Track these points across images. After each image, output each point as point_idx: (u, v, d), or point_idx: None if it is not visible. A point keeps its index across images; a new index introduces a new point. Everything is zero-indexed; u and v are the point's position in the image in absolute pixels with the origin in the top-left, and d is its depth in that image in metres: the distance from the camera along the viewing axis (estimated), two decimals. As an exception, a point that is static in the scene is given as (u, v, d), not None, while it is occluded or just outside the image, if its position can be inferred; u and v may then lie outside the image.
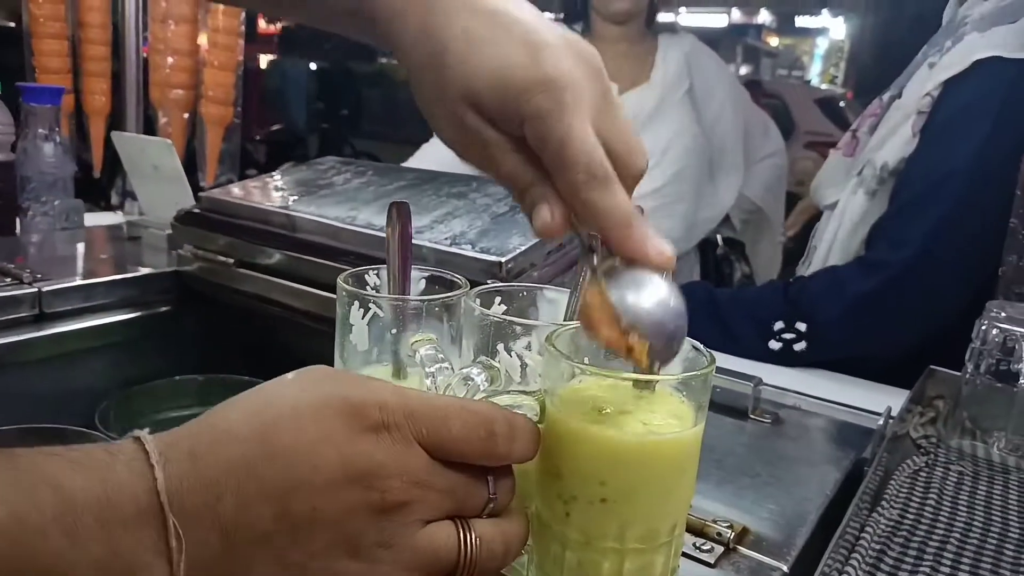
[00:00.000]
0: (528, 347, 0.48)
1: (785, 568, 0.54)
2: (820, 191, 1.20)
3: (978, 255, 0.95)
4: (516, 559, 0.42)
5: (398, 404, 0.38)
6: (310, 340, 0.90)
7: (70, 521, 0.32)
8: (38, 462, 0.33)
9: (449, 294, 0.51)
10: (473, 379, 0.45)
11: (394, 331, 0.50)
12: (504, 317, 0.48)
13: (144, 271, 1.04)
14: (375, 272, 0.55)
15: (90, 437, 0.84)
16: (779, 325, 1.01)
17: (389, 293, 0.53)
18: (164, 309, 1.05)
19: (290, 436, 0.36)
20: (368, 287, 0.55)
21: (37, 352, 0.91)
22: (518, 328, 0.47)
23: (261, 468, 0.35)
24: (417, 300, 0.50)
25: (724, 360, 0.96)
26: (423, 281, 0.56)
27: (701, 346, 0.43)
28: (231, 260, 0.97)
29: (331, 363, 0.52)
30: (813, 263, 1.15)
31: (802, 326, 1.00)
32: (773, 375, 0.88)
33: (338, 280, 0.52)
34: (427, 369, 0.47)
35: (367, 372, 0.52)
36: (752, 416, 0.78)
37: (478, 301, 0.50)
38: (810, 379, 0.95)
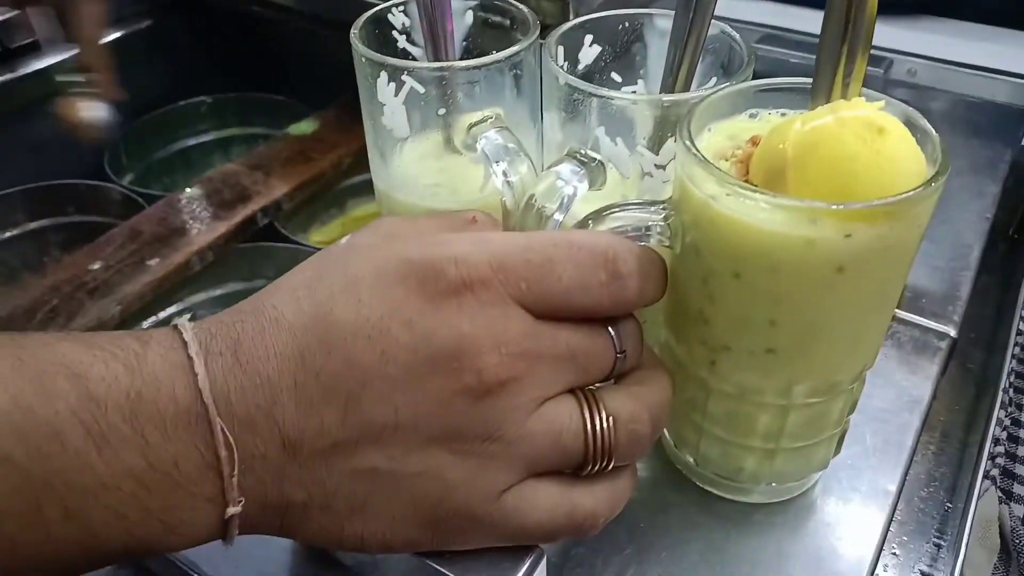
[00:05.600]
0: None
1: (953, 332, 0.44)
2: None
3: None
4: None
5: (479, 255, 0.27)
6: (327, 51, 0.75)
7: (93, 419, 0.24)
8: (50, 344, 0.25)
9: (514, 49, 0.35)
10: (566, 182, 0.32)
11: (442, 111, 0.36)
12: (599, 90, 0.33)
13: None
14: (401, 8, 0.39)
15: (104, 191, 0.74)
16: None
17: (425, 46, 0.37)
18: (146, 24, 0.87)
19: (348, 316, 0.27)
20: (396, 32, 0.39)
21: (11, 102, 0.77)
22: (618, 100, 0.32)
23: (319, 360, 0.26)
24: (467, 67, 0.35)
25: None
26: (470, 13, 0.40)
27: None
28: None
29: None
30: None
31: None
32: (897, 36, 0.71)
33: (351, 33, 0.36)
34: (495, 167, 0.34)
35: (417, 165, 0.38)
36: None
37: (561, 52, 0.34)
38: (948, 40, 0.77)
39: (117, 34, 0.85)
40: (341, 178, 0.79)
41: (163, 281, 0.62)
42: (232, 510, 0.26)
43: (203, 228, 0.66)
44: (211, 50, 0.91)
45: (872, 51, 0.71)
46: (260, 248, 0.68)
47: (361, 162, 0.78)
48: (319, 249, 0.65)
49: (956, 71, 0.70)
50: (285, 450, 0.26)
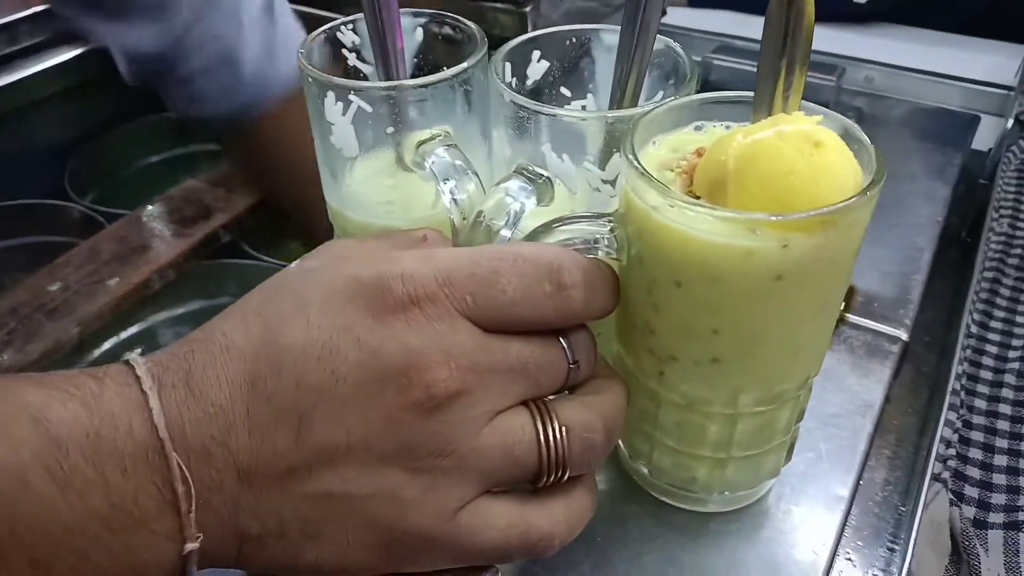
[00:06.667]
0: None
1: (904, 336, 0.45)
2: None
3: None
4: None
5: (426, 271, 0.28)
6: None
7: (56, 463, 0.24)
8: (10, 388, 0.25)
9: (462, 67, 0.36)
10: (514, 198, 0.32)
11: (391, 130, 0.36)
12: (543, 108, 0.33)
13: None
14: (350, 26, 0.39)
15: (64, 211, 0.73)
16: None
17: (375, 63, 0.37)
18: (107, 40, 0.86)
19: (297, 338, 0.27)
20: (345, 50, 0.39)
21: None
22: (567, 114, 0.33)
23: (271, 385, 0.26)
24: (415, 85, 0.35)
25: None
26: (420, 31, 0.40)
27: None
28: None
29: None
30: None
31: None
32: (853, 43, 0.72)
33: (298, 54, 0.36)
34: (442, 185, 0.34)
35: (369, 183, 0.38)
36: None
37: (508, 69, 0.34)
38: (902, 46, 0.78)
39: (79, 50, 0.85)
40: (305, 193, 0.79)
41: (122, 301, 0.61)
42: (190, 546, 0.25)
43: (164, 246, 0.66)
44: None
45: (826, 59, 0.72)
46: (222, 265, 0.67)
47: (325, 177, 0.78)
48: (283, 265, 0.65)
49: (911, 77, 0.71)
50: (240, 479, 0.26)
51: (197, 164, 0.89)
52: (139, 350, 0.27)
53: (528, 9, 0.61)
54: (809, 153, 0.27)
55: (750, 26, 0.78)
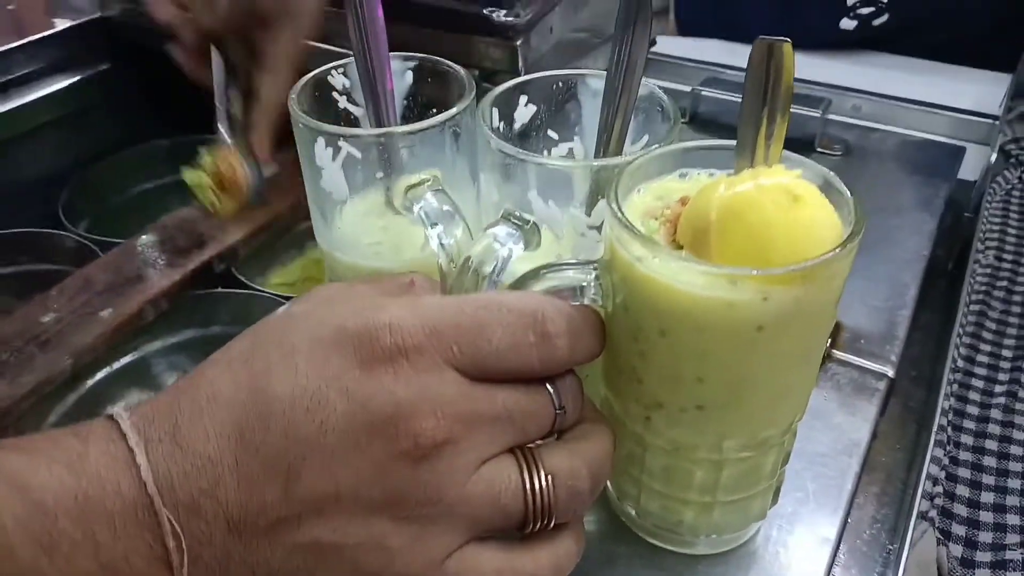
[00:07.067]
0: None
1: (890, 373, 0.45)
2: None
3: None
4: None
5: (413, 321, 0.28)
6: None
7: (43, 529, 0.24)
8: None
9: (451, 113, 0.36)
10: (502, 244, 0.33)
11: (380, 175, 0.36)
12: (529, 156, 0.33)
13: (63, 24, 0.85)
14: (341, 70, 0.40)
15: (57, 239, 0.74)
16: None
17: (365, 106, 0.38)
18: (103, 67, 0.87)
19: (285, 387, 0.27)
20: (336, 93, 0.40)
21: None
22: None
23: (259, 436, 0.26)
24: (404, 132, 0.35)
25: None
26: (409, 73, 0.41)
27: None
28: None
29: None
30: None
31: None
32: (840, 72, 0.72)
33: (289, 99, 0.37)
34: (430, 230, 0.34)
35: (359, 225, 0.39)
36: (819, 149, 0.64)
37: (495, 114, 0.35)
38: (890, 75, 0.79)
39: (74, 78, 0.85)
40: (299, 220, 0.79)
41: (116, 332, 0.61)
42: None
43: (158, 276, 0.66)
44: (167, 93, 0.91)
45: (813, 88, 0.72)
46: (215, 295, 0.67)
47: (319, 204, 0.79)
48: (276, 295, 0.65)
49: (898, 106, 0.72)
50: (230, 531, 0.26)
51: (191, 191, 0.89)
52: (122, 404, 0.28)
53: (519, 43, 0.62)
54: (788, 207, 0.27)
55: (740, 55, 0.79)
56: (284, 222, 0.77)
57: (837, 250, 0.27)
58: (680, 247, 0.30)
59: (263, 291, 0.67)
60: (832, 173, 0.30)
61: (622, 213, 0.29)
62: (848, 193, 0.29)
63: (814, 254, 0.27)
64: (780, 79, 0.29)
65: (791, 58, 0.29)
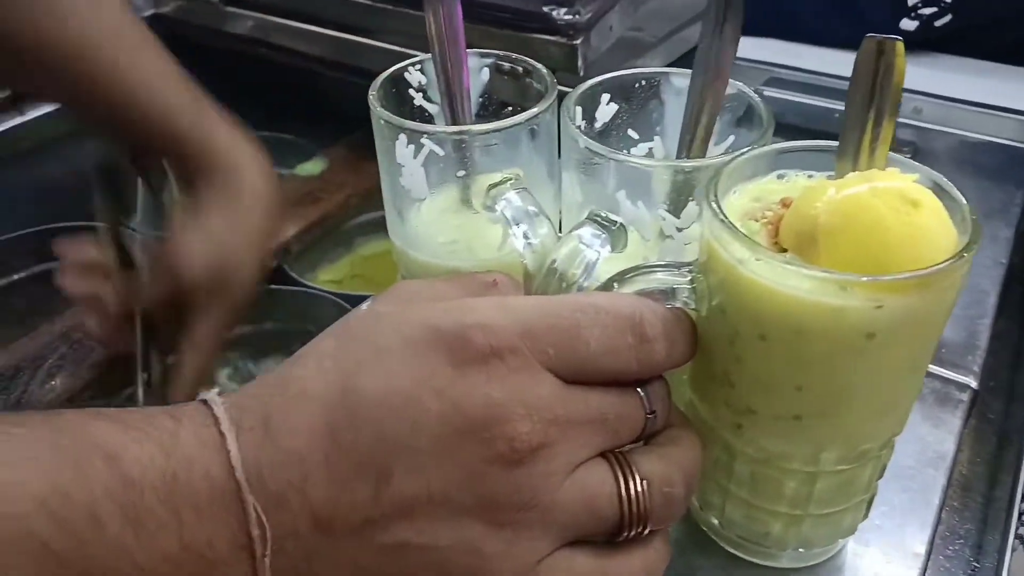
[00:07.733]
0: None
1: (974, 384, 0.44)
2: None
3: None
4: None
5: (505, 321, 0.27)
6: (335, 91, 0.75)
7: (130, 502, 0.24)
8: (85, 424, 0.25)
9: (533, 112, 0.35)
10: (588, 246, 0.32)
11: (461, 173, 0.35)
12: (617, 155, 0.33)
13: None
14: (418, 66, 0.39)
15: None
16: None
17: (441, 103, 0.37)
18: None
19: (377, 387, 0.26)
20: (412, 90, 0.39)
21: (19, 145, 0.77)
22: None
23: (350, 435, 0.26)
24: (486, 130, 0.35)
25: (844, 56, 0.78)
26: (486, 71, 0.40)
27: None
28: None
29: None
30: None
31: None
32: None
33: (369, 95, 0.36)
34: (515, 229, 0.34)
35: (435, 223, 0.38)
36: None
37: (579, 112, 0.34)
38: (952, 76, 0.77)
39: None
40: (348, 217, 0.79)
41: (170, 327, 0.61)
42: None
43: (211, 272, 0.66)
44: (217, 90, 0.91)
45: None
46: (268, 291, 0.67)
47: (368, 201, 0.78)
48: (326, 291, 0.64)
49: (962, 108, 0.70)
50: (317, 527, 0.26)
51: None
52: (216, 389, 0.27)
53: (579, 42, 0.61)
54: (905, 212, 0.26)
55: (798, 55, 0.77)
56: (333, 220, 0.77)
57: (957, 258, 0.26)
58: (783, 250, 0.28)
59: (313, 287, 0.67)
60: (944, 178, 0.29)
61: (723, 212, 0.28)
62: (963, 199, 0.28)
63: (931, 262, 0.26)
64: (890, 79, 0.28)
65: (902, 57, 0.28)
